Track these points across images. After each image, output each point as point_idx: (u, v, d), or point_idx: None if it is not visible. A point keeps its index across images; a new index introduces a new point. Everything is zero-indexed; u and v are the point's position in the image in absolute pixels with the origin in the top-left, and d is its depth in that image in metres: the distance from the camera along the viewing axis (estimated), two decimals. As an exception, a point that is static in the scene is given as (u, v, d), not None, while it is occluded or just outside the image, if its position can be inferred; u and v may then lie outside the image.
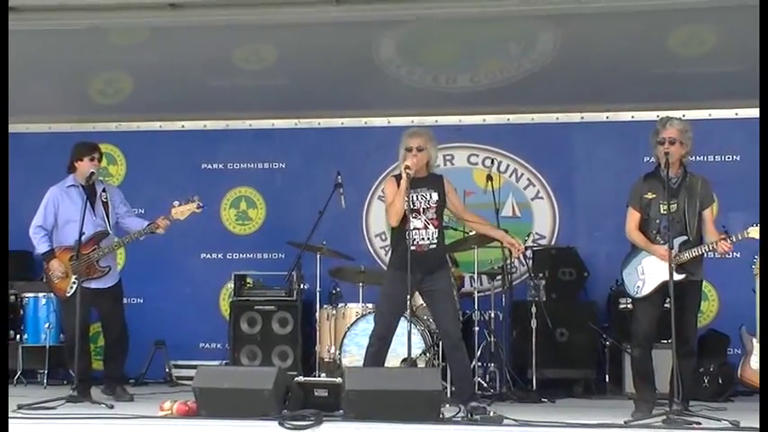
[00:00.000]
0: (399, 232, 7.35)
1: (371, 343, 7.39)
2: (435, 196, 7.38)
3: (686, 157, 7.09)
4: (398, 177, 7.37)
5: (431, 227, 7.35)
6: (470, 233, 8.64)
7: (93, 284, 8.00)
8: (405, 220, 7.23)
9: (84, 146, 8.25)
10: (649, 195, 7.08)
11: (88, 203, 7.94)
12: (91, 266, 7.99)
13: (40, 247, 8.15)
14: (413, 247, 7.18)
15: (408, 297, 7.10)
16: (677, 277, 6.74)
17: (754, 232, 6.88)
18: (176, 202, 8.00)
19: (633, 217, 7.16)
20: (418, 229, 7.29)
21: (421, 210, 7.33)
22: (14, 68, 10.04)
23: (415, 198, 7.29)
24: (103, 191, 8.25)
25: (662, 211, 7.00)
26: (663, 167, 6.95)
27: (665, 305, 6.92)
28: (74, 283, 7.95)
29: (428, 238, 7.33)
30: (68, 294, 8.02)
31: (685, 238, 6.94)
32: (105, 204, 8.18)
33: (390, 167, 10.08)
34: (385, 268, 9.76)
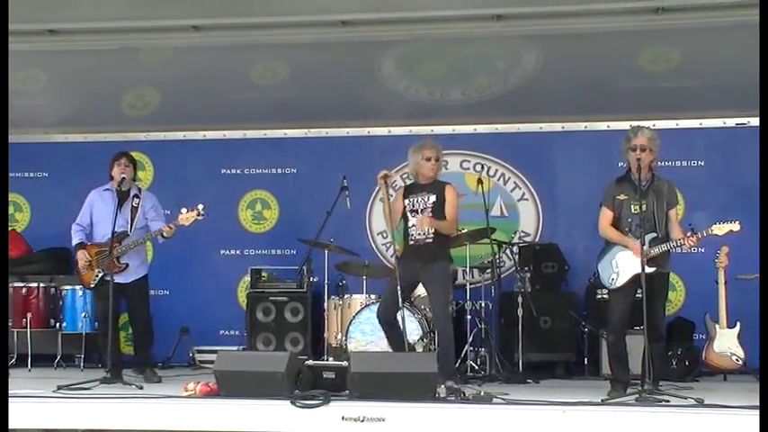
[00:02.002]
0: (405, 230, 7.57)
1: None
2: (432, 198, 7.52)
3: (654, 163, 7.07)
4: (406, 187, 7.69)
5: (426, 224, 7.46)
6: (462, 230, 8.64)
7: (116, 279, 7.93)
8: (407, 219, 7.51)
9: (114, 155, 8.27)
10: (621, 197, 7.05)
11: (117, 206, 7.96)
12: (112, 262, 7.96)
13: (74, 239, 8.21)
14: (411, 242, 7.49)
15: (397, 286, 7.24)
16: (648, 270, 6.73)
17: (717, 229, 6.89)
18: (184, 210, 7.85)
19: (606, 215, 7.12)
20: (416, 226, 7.47)
21: (419, 210, 7.50)
22: (53, 84, 10.14)
23: (415, 200, 7.54)
24: (136, 196, 8.20)
25: (633, 211, 6.98)
26: (635, 172, 6.93)
27: (637, 295, 6.91)
28: (97, 275, 7.99)
29: (424, 234, 7.46)
30: (92, 285, 8.05)
31: (655, 234, 6.93)
32: (134, 209, 8.14)
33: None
34: (386, 263, 9.92)
